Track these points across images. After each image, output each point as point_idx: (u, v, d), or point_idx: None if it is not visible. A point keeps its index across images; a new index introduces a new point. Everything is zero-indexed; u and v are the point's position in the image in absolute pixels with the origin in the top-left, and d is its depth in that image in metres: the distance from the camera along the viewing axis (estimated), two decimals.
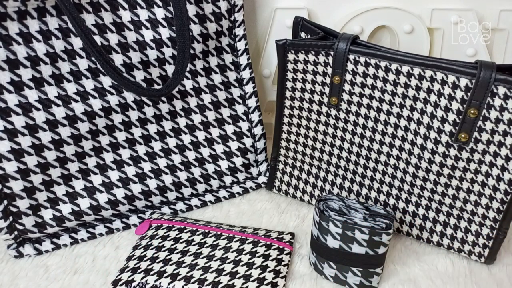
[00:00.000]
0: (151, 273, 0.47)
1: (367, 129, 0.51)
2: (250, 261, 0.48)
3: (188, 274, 0.46)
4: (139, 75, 0.53)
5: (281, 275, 0.48)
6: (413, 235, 0.54)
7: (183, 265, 0.48)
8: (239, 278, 0.46)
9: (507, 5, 0.63)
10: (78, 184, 0.54)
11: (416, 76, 0.45)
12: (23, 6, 0.46)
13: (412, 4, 0.64)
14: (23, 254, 0.53)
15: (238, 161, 0.62)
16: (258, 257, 0.49)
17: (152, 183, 0.57)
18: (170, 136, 0.58)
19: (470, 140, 0.45)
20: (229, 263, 0.48)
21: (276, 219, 0.59)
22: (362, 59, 0.48)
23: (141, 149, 0.57)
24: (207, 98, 0.59)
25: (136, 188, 0.56)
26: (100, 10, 0.50)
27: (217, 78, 0.59)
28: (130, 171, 0.56)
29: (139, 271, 0.47)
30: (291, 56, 0.52)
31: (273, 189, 0.64)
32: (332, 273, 0.48)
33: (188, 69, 0.57)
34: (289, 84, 0.54)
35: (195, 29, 0.55)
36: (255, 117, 0.62)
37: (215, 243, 0.51)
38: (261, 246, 0.51)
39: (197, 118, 0.59)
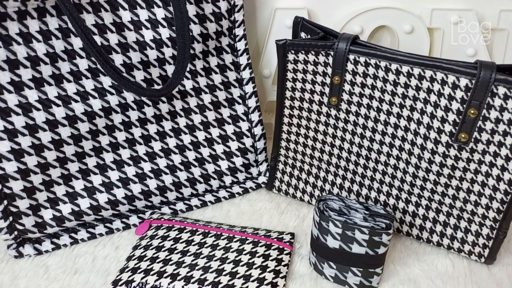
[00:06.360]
0: (151, 273, 0.47)
1: (367, 129, 0.51)
2: (250, 261, 0.48)
3: (188, 274, 0.47)
4: (139, 75, 0.53)
5: (281, 275, 0.48)
6: (413, 235, 0.54)
7: (183, 265, 0.48)
8: (239, 278, 0.46)
9: (507, 5, 0.63)
10: (78, 184, 0.54)
11: (416, 76, 0.45)
12: (23, 6, 0.46)
13: (412, 4, 0.64)
14: (23, 254, 0.53)
15: (238, 161, 0.62)
16: (258, 257, 0.49)
17: (152, 183, 0.57)
18: (170, 136, 0.58)
19: (470, 140, 0.45)
20: (229, 263, 0.48)
21: (276, 219, 0.59)
22: (362, 59, 0.48)
23: (141, 149, 0.57)
24: (207, 98, 0.59)
25: (136, 188, 0.57)
26: (100, 10, 0.50)
27: (217, 78, 0.59)
28: (130, 171, 0.56)
29: (139, 271, 0.47)
30: (291, 56, 0.52)
31: (273, 189, 0.64)
32: (332, 273, 0.48)
33: (188, 69, 0.57)
34: (289, 84, 0.54)
35: (195, 29, 0.55)
36: (255, 117, 0.62)
37: (215, 243, 0.51)
38: (261, 246, 0.51)
39: (197, 118, 0.59)
